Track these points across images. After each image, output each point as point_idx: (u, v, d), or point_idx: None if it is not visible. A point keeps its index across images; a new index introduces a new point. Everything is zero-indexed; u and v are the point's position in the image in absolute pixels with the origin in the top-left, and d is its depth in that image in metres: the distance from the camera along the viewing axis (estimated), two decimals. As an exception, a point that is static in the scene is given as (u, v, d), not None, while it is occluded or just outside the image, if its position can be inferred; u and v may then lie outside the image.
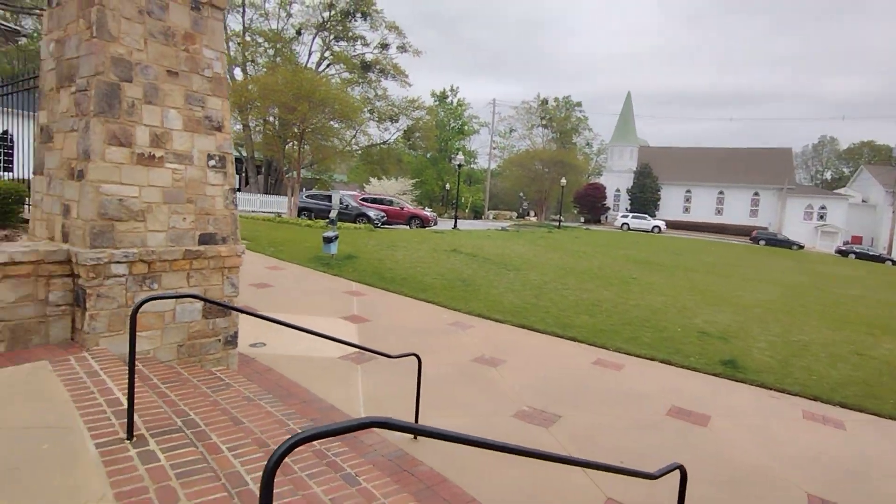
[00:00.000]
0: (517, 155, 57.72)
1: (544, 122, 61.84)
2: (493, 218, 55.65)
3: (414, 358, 4.84)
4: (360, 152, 35.55)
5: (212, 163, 5.05)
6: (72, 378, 3.63)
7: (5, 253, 3.99)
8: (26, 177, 8.37)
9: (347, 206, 21.57)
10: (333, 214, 12.89)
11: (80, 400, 3.26)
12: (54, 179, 4.72)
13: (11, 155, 9.45)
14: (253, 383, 4.87)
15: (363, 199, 25.99)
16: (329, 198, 25.08)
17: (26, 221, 6.69)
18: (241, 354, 5.45)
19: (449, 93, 62.51)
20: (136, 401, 3.39)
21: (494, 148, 62.57)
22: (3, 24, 10.01)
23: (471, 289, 10.59)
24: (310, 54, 37.61)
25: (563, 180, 41.22)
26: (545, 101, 61.74)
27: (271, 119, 26.71)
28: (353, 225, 20.52)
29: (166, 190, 4.72)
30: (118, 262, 4.36)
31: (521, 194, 55.52)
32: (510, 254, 16.60)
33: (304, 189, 29.50)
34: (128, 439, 2.76)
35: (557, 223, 40.51)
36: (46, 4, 5.03)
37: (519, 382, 6.05)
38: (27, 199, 6.86)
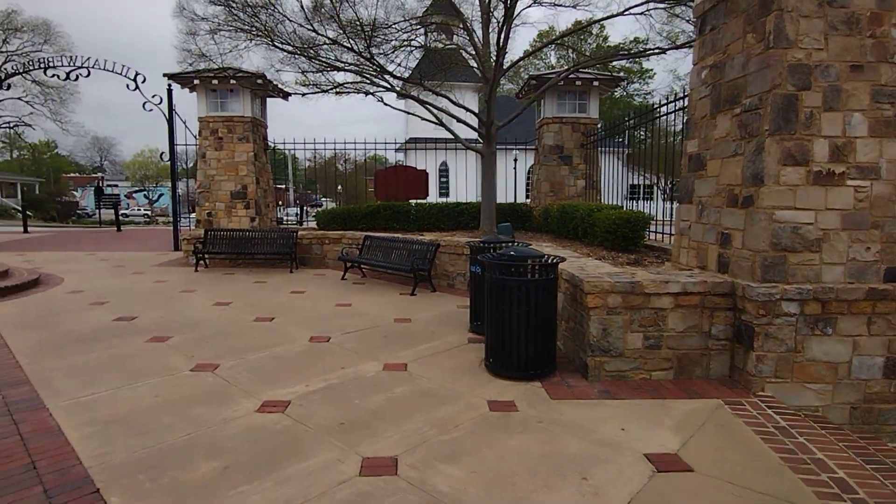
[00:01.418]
0: None
1: None
2: None
3: None
4: None
5: (907, 173, 3.81)
6: (761, 429, 3.23)
7: (679, 283, 4.07)
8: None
9: None
10: None
11: (792, 464, 2.75)
12: (707, 207, 4.65)
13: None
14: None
15: None
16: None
17: (647, 247, 7.31)
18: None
19: None
20: (860, 485, 2.62)
21: None
22: (611, 74, 11.74)
23: None
24: None
25: None
26: None
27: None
28: None
29: (845, 213, 3.82)
30: (790, 300, 3.77)
31: None
32: None
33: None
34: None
35: None
36: (697, 34, 5.10)
37: None
38: (650, 225, 7.48)
